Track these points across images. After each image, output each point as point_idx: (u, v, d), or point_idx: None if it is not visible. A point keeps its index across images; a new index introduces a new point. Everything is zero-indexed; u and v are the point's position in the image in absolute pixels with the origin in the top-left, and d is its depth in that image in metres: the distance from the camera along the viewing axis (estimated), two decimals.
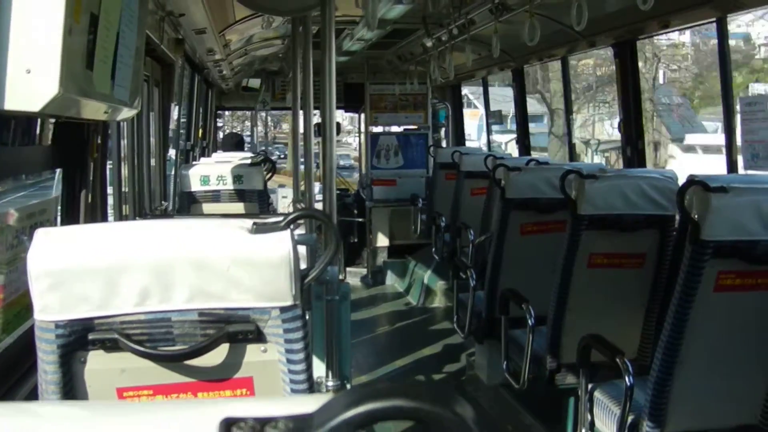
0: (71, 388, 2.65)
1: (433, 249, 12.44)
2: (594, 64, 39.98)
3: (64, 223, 4.87)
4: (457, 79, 14.10)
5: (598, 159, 36.92)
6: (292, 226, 2.66)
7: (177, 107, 10.92)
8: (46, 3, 3.01)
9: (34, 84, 3.01)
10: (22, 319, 4.11)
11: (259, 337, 2.67)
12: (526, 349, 6.38)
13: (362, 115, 16.31)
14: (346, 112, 18.99)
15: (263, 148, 23.02)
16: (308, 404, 1.07)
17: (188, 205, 9.30)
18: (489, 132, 14.97)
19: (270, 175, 10.60)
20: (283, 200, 15.49)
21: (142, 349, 2.60)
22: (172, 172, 10.55)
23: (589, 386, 5.38)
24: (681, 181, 5.26)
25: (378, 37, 10.71)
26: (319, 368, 4.70)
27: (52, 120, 4.60)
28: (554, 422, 6.81)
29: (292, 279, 2.60)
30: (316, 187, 7.99)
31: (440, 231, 12.01)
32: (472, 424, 1.01)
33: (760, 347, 4.68)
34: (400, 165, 15.72)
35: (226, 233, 2.62)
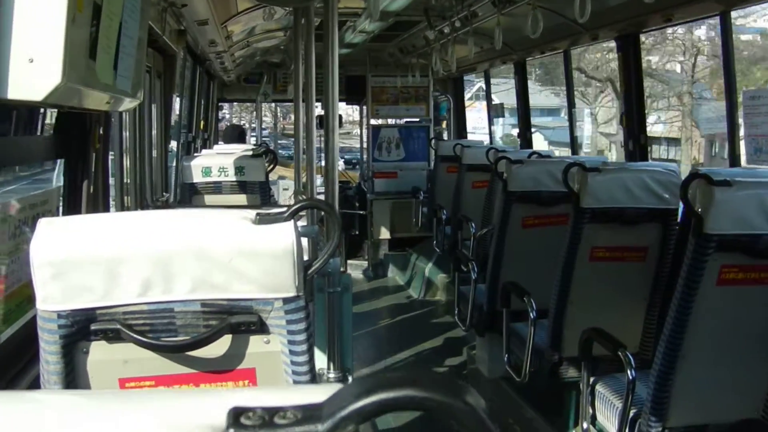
0: (73, 379, 2.64)
1: (434, 242, 12.45)
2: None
3: (66, 213, 4.87)
4: (459, 71, 14.10)
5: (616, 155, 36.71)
6: (295, 217, 2.66)
7: (179, 98, 10.92)
8: None
9: (37, 73, 3.01)
10: (24, 309, 4.11)
11: (261, 328, 2.67)
12: (527, 342, 6.37)
13: (364, 108, 16.32)
14: (347, 104, 18.98)
15: (264, 140, 22.99)
16: (317, 394, 1.06)
17: (190, 196, 9.31)
18: (491, 124, 14.94)
19: (272, 166, 10.60)
20: (285, 192, 15.49)
21: (144, 339, 2.60)
22: (174, 164, 10.56)
23: (591, 380, 5.38)
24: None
25: (380, 29, 10.68)
26: (320, 360, 4.70)
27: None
28: (556, 416, 6.81)
29: (296, 270, 2.59)
30: (318, 179, 7.99)
31: (441, 224, 12.01)
32: (483, 413, 1.01)
33: (762, 341, 4.67)
34: (402, 157, 15.73)
35: (229, 224, 2.61)
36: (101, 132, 5.10)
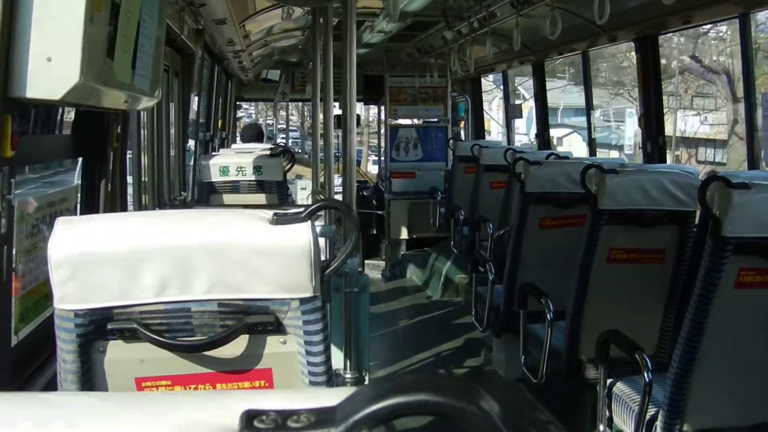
0: (90, 378, 2.65)
1: (452, 242, 12.43)
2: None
3: (83, 212, 4.88)
4: (477, 72, 14.08)
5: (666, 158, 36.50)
6: (312, 217, 2.66)
7: (197, 98, 10.93)
8: None
9: (55, 72, 3.02)
10: (42, 308, 4.11)
11: (278, 328, 2.66)
12: (544, 343, 6.36)
13: (381, 108, 16.31)
14: (365, 104, 18.97)
15: (286, 139, 23.01)
16: (331, 397, 1.06)
17: (207, 195, 9.32)
18: (509, 126, 14.92)
19: (290, 166, 10.61)
20: (302, 192, 15.49)
21: (161, 339, 2.60)
22: (192, 163, 10.57)
23: (608, 381, 5.36)
24: None
25: (398, 29, 10.68)
26: (337, 360, 4.69)
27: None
28: (572, 417, 6.80)
29: (313, 270, 2.59)
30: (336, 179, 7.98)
31: (459, 224, 11.99)
32: (497, 419, 1.00)
33: None
34: (419, 158, 15.70)
35: (246, 224, 2.61)
36: (119, 131, 5.11)
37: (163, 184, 7.98)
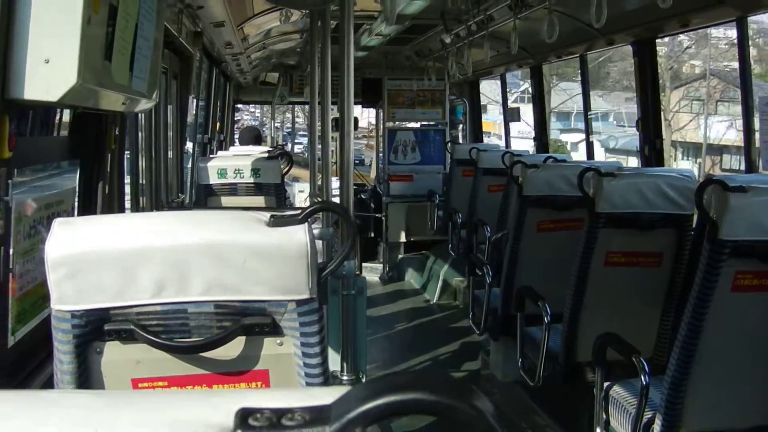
0: (87, 378, 2.65)
1: (450, 245, 12.43)
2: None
3: (80, 213, 4.88)
4: (475, 75, 14.09)
5: (687, 164, 36.04)
6: (309, 220, 2.66)
7: (195, 100, 10.93)
8: None
9: (53, 74, 3.03)
10: (39, 309, 4.12)
11: (275, 330, 2.67)
12: (541, 346, 6.37)
13: (379, 111, 16.31)
14: (363, 107, 18.97)
15: (281, 142, 23.02)
16: (325, 396, 1.06)
17: (205, 197, 9.32)
18: (507, 129, 14.91)
19: (287, 169, 10.61)
20: (300, 195, 15.49)
21: (157, 340, 2.60)
22: (189, 165, 10.57)
23: (605, 384, 5.37)
24: None
25: (396, 32, 10.68)
26: (334, 363, 4.70)
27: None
28: (569, 420, 6.80)
29: (309, 272, 2.59)
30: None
31: (457, 227, 11.99)
32: (491, 418, 1.01)
33: None
34: (417, 161, 15.70)
35: (243, 225, 2.61)
36: (117, 133, 5.11)
37: (160, 186, 7.98)
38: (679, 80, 40.61)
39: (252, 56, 13.49)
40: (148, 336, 2.59)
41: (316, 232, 2.78)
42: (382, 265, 15.39)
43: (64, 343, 2.58)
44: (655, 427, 4.71)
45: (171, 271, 2.54)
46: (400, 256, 15.29)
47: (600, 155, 34.39)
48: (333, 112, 6.90)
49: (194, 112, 11.28)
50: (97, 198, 4.99)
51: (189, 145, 10.83)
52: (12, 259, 3.62)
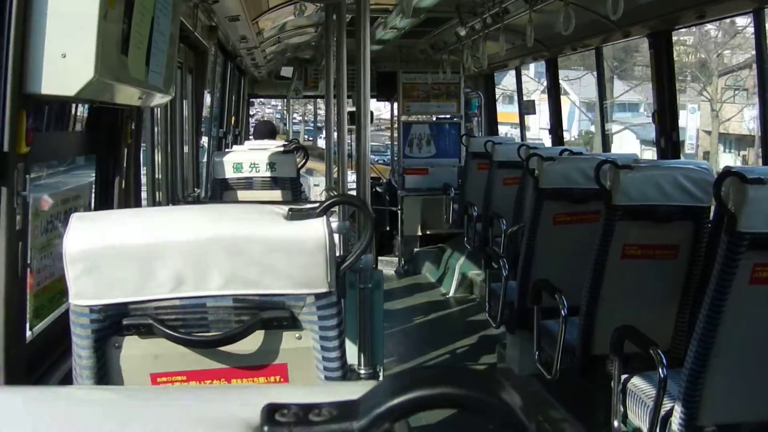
0: (105, 373, 2.65)
1: (465, 239, 12.42)
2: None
3: (97, 208, 4.88)
4: (490, 68, 14.07)
5: (729, 158, 35.51)
6: (327, 213, 2.65)
7: (210, 94, 10.95)
8: None
9: (70, 68, 3.03)
10: (57, 304, 4.12)
11: (293, 323, 2.67)
12: (558, 339, 6.36)
13: (395, 104, 16.30)
14: (378, 101, 18.97)
15: (307, 138, 23.09)
16: (352, 391, 1.06)
17: (220, 192, 9.33)
18: (522, 123, 14.89)
19: (303, 162, 10.61)
20: (315, 188, 15.49)
21: (176, 334, 2.60)
22: (205, 159, 10.59)
23: (622, 377, 5.35)
24: None
25: (411, 25, 10.69)
26: (351, 356, 4.70)
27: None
28: (586, 413, 6.79)
29: (328, 265, 2.59)
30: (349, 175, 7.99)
31: (472, 220, 11.97)
32: (519, 412, 1.00)
33: None
34: (432, 154, 15.69)
35: (261, 219, 2.61)
36: (133, 127, 5.12)
37: (176, 181, 7.99)
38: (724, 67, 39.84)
39: (267, 50, 13.49)
40: (167, 330, 2.59)
41: (333, 225, 2.77)
42: (397, 258, 15.38)
43: (83, 338, 2.59)
44: (673, 419, 4.70)
45: (189, 265, 2.54)
46: (415, 249, 15.28)
47: (636, 146, 33.94)
48: (348, 106, 6.90)
49: (209, 106, 11.30)
50: (113, 192, 4.99)
51: (204, 140, 10.85)
52: (30, 254, 3.62)
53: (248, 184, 9.37)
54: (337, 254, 2.69)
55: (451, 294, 13.06)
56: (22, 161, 3.13)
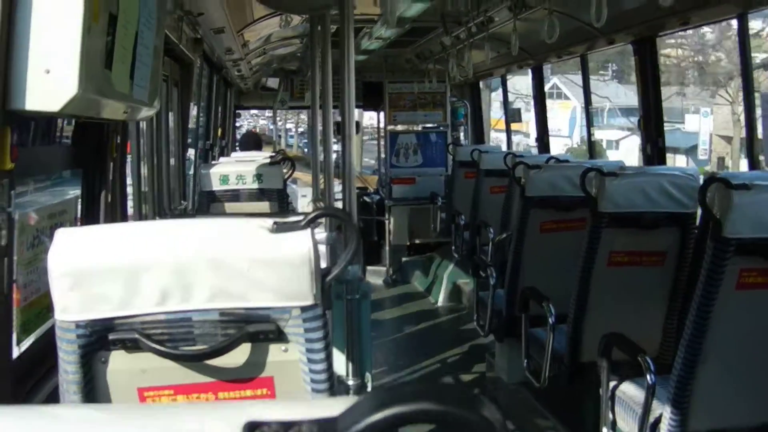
0: (92, 389, 2.65)
1: (453, 247, 12.43)
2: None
3: (84, 223, 4.88)
4: (475, 77, 14.08)
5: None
6: (312, 225, 2.66)
7: (196, 107, 10.94)
8: (64, 3, 3.02)
9: (54, 84, 3.03)
10: (43, 319, 4.12)
11: (279, 336, 2.67)
12: (546, 347, 6.37)
13: (381, 114, 16.30)
14: (364, 110, 18.95)
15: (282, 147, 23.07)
16: (332, 407, 1.06)
17: (208, 204, 9.32)
18: (509, 130, 14.91)
19: (289, 174, 10.61)
20: (303, 199, 15.48)
21: (162, 348, 2.60)
22: (192, 172, 10.57)
23: (611, 385, 5.37)
24: None
25: (396, 35, 10.69)
26: (339, 367, 4.70)
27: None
28: (575, 421, 6.80)
29: (313, 278, 2.59)
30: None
31: (460, 229, 11.99)
32: (499, 427, 1.00)
33: None
34: (419, 163, 15.68)
35: (246, 233, 2.61)
36: (118, 141, 5.11)
37: (163, 194, 7.98)
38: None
39: (252, 62, 13.49)
40: (153, 345, 2.59)
41: (319, 237, 2.77)
42: (385, 268, 15.36)
43: (69, 354, 2.58)
44: (662, 426, 4.71)
45: (175, 280, 2.54)
46: (404, 258, 15.27)
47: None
48: (335, 116, 6.90)
49: (195, 118, 11.29)
50: (99, 207, 4.99)
51: (191, 152, 10.84)
52: (15, 269, 3.61)
53: (235, 196, 9.36)
54: (324, 266, 2.69)
55: (439, 303, 13.07)
56: (7, 177, 3.13)
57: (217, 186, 9.32)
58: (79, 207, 4.92)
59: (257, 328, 2.63)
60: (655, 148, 8.14)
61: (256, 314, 2.62)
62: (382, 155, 16.69)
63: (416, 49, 14.00)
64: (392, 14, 8.06)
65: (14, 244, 3.49)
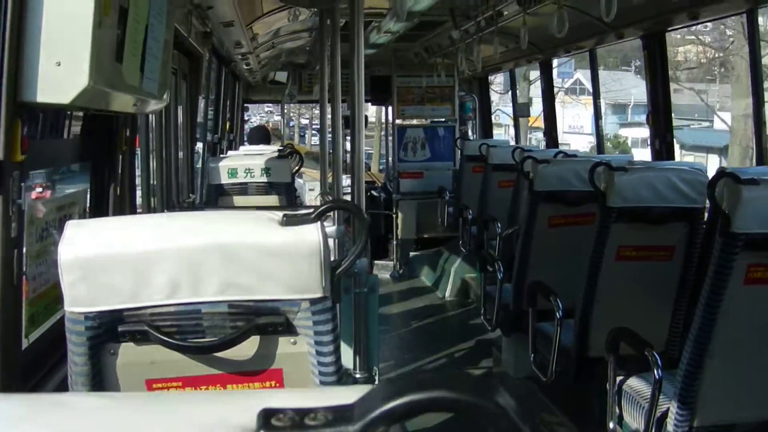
0: (101, 380, 2.65)
1: (461, 242, 12.41)
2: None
3: (92, 215, 4.89)
4: (484, 71, 14.07)
5: None
6: (322, 218, 2.66)
7: (204, 100, 10.94)
8: None
9: (65, 76, 3.04)
10: (52, 311, 4.12)
11: (288, 329, 2.67)
12: (553, 341, 6.36)
13: (389, 108, 16.28)
14: (372, 104, 18.93)
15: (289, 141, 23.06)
16: (348, 395, 1.07)
17: (215, 197, 9.33)
18: (517, 125, 14.90)
19: (298, 167, 10.61)
20: (310, 193, 15.47)
21: (171, 340, 2.60)
22: (200, 165, 10.58)
23: (618, 379, 5.36)
24: None
25: (405, 29, 10.68)
26: (347, 360, 4.71)
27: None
28: (582, 415, 6.79)
29: (323, 271, 2.59)
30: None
31: (467, 223, 11.97)
32: (514, 415, 1.01)
33: None
34: (427, 158, 15.64)
35: (256, 225, 2.62)
36: (128, 134, 5.12)
37: (171, 187, 7.99)
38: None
39: (261, 55, 13.49)
40: (162, 337, 2.60)
41: (328, 230, 2.77)
42: (393, 262, 15.35)
43: (78, 345, 2.59)
44: (668, 420, 4.70)
45: (184, 271, 2.55)
46: (411, 253, 15.25)
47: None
48: (344, 110, 6.90)
49: (204, 112, 11.30)
50: (108, 199, 5.00)
51: (199, 145, 10.85)
52: (25, 261, 3.63)
53: (243, 189, 9.38)
54: (332, 259, 2.70)
55: (447, 297, 13.06)
56: (18, 169, 3.14)
57: (225, 179, 9.34)
58: (88, 200, 4.93)
59: (266, 321, 2.63)
60: (663, 143, 8.13)
61: (266, 306, 2.62)
62: (389, 149, 16.66)
63: (425, 43, 13.98)
64: (402, 8, 8.06)
65: (24, 236, 3.51)
